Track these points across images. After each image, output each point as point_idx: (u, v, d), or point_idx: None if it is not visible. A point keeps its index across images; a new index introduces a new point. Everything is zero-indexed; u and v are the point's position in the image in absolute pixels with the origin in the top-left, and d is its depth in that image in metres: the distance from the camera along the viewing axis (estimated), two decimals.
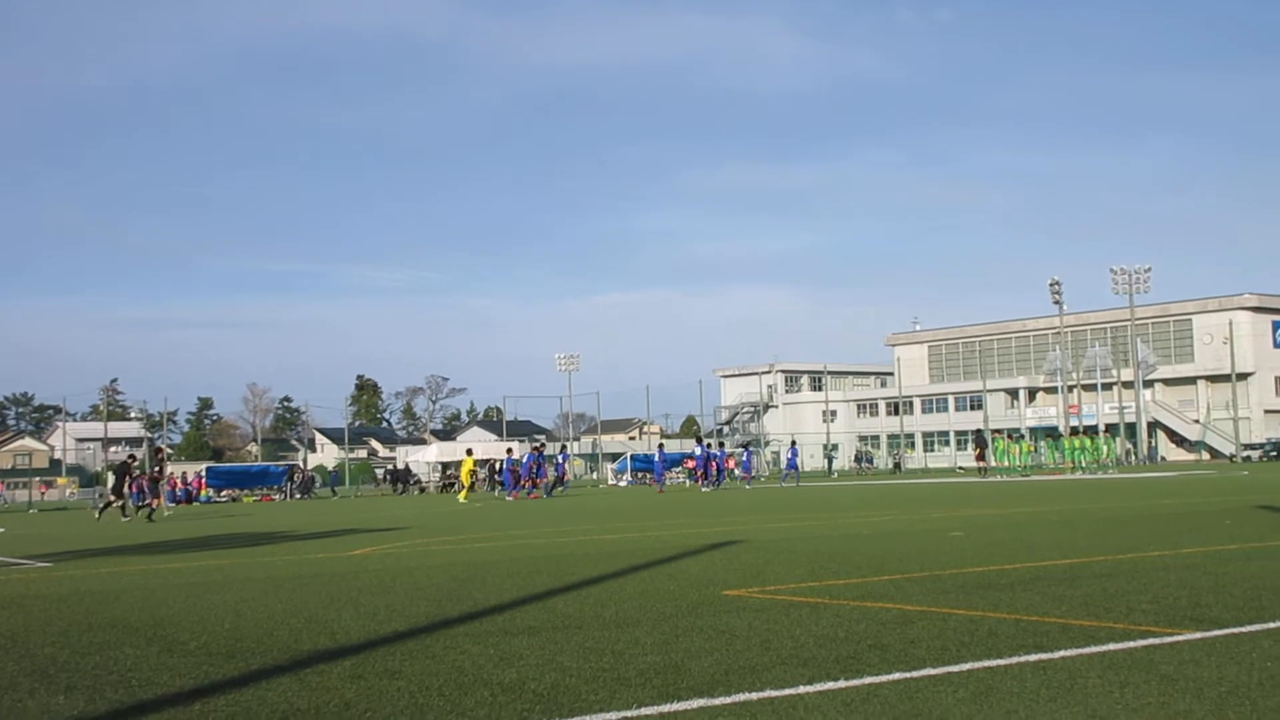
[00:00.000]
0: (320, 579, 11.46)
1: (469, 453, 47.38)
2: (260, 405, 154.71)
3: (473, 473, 44.63)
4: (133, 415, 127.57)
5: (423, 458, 77.27)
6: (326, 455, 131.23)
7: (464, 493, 42.47)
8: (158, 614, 8.90)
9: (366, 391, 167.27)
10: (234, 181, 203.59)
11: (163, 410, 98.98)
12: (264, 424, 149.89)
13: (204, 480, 64.85)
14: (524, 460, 44.16)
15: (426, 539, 18.06)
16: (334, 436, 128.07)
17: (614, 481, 74.74)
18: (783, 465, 56.66)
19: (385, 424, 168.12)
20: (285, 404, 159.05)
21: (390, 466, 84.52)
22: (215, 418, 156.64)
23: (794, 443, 55.96)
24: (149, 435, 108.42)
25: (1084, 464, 56.18)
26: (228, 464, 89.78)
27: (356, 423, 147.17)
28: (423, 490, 67.86)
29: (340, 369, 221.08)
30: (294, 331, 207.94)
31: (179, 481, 64.74)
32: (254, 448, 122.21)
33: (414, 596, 9.51)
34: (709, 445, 51.00)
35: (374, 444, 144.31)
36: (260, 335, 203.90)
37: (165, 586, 11.23)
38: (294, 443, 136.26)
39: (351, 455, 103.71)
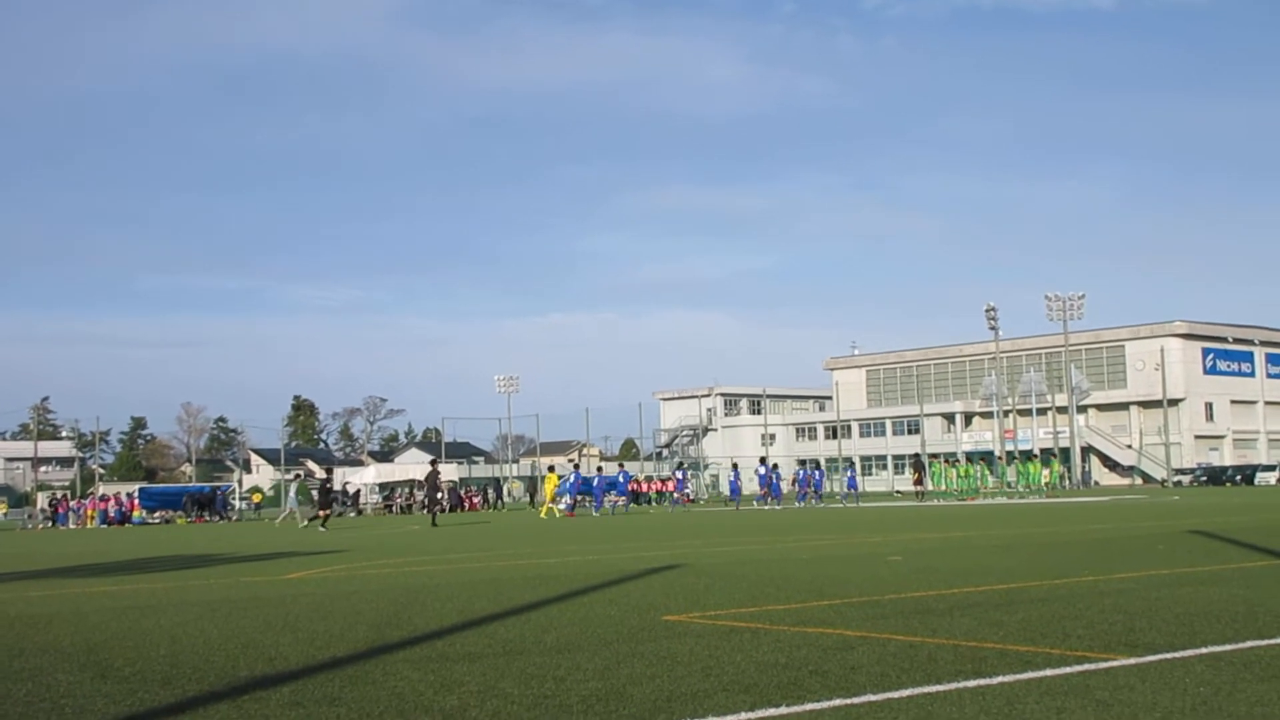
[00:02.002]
0: (257, 603, 11.34)
1: (551, 469, 50.00)
2: (195, 425, 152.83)
3: (557, 489, 47.51)
4: (64, 434, 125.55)
5: (360, 479, 76.58)
6: (262, 476, 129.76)
7: (544, 508, 45.88)
8: (91, 639, 8.76)
9: (303, 412, 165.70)
10: (175, 199, 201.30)
11: (95, 430, 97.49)
12: (199, 444, 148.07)
13: (137, 501, 63.88)
14: (570, 479, 49.13)
15: (364, 562, 17.92)
16: (270, 457, 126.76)
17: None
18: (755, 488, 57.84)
19: (322, 445, 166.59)
20: (220, 424, 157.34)
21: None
22: (149, 437, 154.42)
23: (775, 465, 56.97)
24: (80, 455, 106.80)
25: (1021, 488, 56.92)
26: (161, 485, 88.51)
27: (293, 443, 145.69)
28: (360, 512, 67.22)
29: (277, 389, 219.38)
30: (231, 350, 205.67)
31: (112, 502, 63.84)
32: (188, 468, 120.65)
33: (353, 621, 9.44)
34: (775, 465, 52.88)
35: (310, 465, 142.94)
36: (197, 354, 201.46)
37: (99, 611, 11.05)
38: (229, 463, 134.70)
39: (287, 476, 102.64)
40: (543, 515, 44.54)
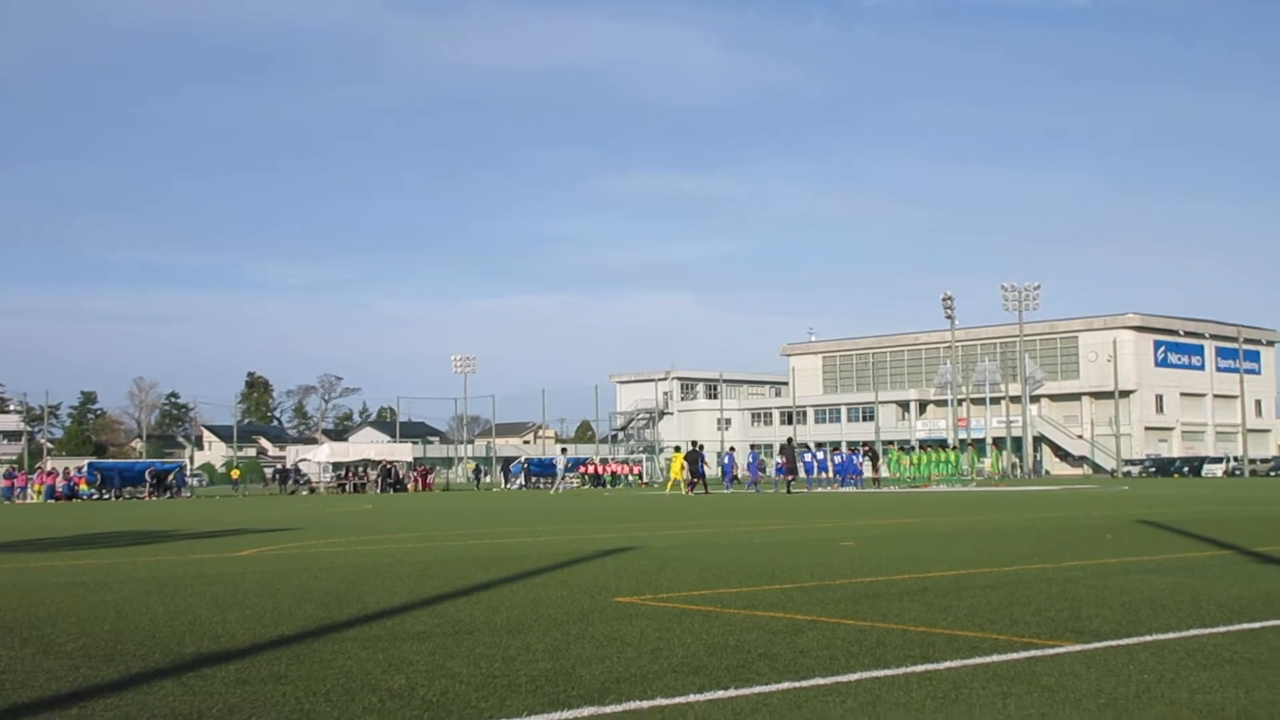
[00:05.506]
0: (205, 580, 11.25)
1: (677, 450, 52.19)
2: (146, 401, 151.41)
3: (684, 468, 49.65)
4: (12, 408, 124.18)
5: (314, 457, 76.19)
6: (214, 453, 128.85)
7: (669, 485, 49.17)
8: (35, 614, 8.66)
9: (257, 389, 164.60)
10: (144, 175, 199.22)
11: (44, 403, 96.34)
12: (150, 420, 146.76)
13: (84, 476, 63.16)
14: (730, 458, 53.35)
15: (315, 540, 17.81)
16: (222, 434, 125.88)
17: (507, 485, 74.57)
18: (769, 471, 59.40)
19: (276, 422, 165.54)
20: (172, 400, 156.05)
21: (279, 466, 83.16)
22: (99, 412, 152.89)
23: (753, 448, 58.44)
24: (28, 429, 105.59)
25: (972, 475, 57.47)
26: (110, 460, 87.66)
27: (246, 421, 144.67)
28: (312, 491, 66.90)
29: (234, 366, 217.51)
30: (188, 326, 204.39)
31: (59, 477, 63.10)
32: (139, 444, 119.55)
33: (301, 599, 9.37)
34: (810, 446, 54.56)
35: (264, 442, 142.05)
36: (152, 329, 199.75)
37: (43, 585, 10.93)
38: (180, 439, 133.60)
39: (240, 454, 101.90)
40: (669, 492, 47.27)
